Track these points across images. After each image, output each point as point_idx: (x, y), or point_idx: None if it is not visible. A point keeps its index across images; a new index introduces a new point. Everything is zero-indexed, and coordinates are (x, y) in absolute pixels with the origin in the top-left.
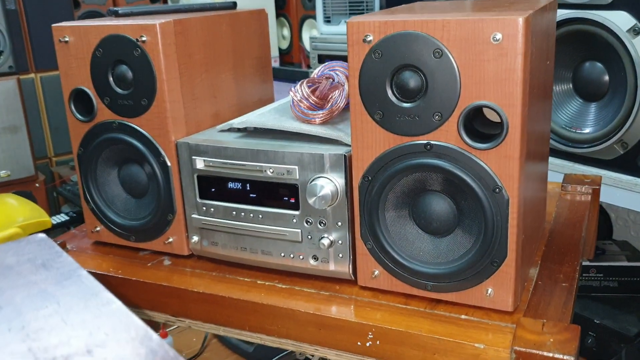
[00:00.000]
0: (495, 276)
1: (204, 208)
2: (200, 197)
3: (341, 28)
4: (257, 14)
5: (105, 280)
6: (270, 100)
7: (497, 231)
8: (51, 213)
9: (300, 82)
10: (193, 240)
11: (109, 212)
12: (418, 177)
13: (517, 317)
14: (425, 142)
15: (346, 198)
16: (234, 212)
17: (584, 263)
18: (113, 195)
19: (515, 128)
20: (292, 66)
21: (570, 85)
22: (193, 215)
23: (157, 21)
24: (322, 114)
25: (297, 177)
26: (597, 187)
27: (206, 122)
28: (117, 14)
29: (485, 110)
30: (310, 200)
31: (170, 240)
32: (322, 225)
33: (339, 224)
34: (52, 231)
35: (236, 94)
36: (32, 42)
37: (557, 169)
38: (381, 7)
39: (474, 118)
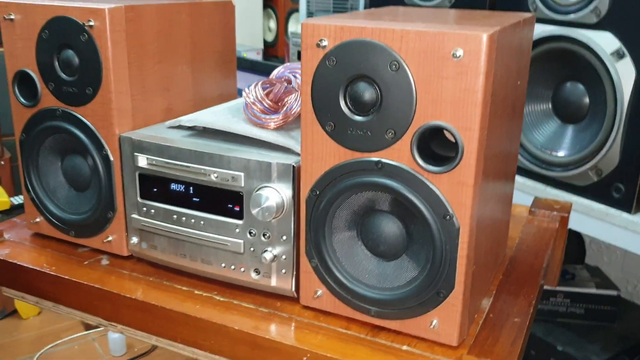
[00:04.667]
0: (441, 307)
1: (145, 209)
2: (141, 197)
3: None
4: (222, 5)
5: (38, 276)
6: (233, 96)
7: (446, 260)
8: (16, 192)
9: (255, 83)
10: (132, 242)
11: (49, 203)
12: (368, 195)
13: (460, 352)
14: (376, 159)
15: (292, 211)
16: (175, 216)
17: (550, 288)
18: (55, 186)
19: (471, 153)
20: (275, 60)
21: (550, 105)
22: (133, 215)
23: (106, 5)
24: (276, 118)
25: (242, 185)
26: (566, 215)
27: (157, 117)
28: None
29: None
30: (254, 211)
31: (110, 239)
32: (265, 237)
33: (284, 237)
34: (12, 212)
35: (193, 88)
36: None
37: (529, 191)
38: (365, 7)
39: (432, 137)
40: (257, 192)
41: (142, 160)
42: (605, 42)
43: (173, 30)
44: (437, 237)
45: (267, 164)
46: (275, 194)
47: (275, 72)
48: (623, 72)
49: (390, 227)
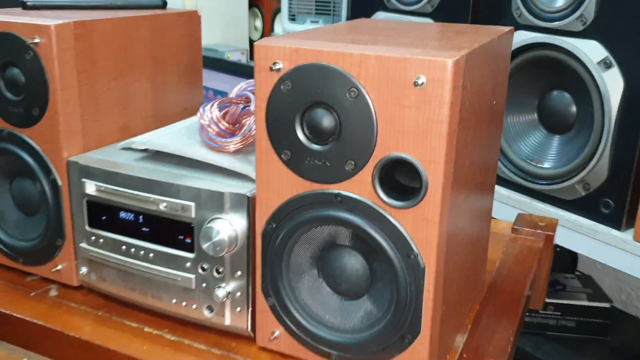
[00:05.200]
0: (406, 353)
1: (93, 238)
2: (90, 225)
3: (306, 27)
4: (187, 16)
5: None
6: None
7: (411, 302)
8: None
9: (211, 103)
10: (81, 272)
11: None
12: (329, 229)
13: None
14: (336, 192)
15: (247, 245)
16: (124, 247)
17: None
18: (3, 209)
19: (436, 188)
20: None
21: (535, 115)
22: (81, 245)
23: (53, 22)
24: (233, 142)
25: (193, 216)
26: (551, 234)
27: (112, 136)
28: (25, 6)
29: None
30: (204, 245)
31: (59, 267)
32: (218, 273)
33: (238, 273)
34: None
35: (153, 104)
36: None
37: (514, 204)
38: (348, 8)
39: (397, 167)
40: (208, 225)
41: (90, 187)
42: (591, 51)
43: (131, 45)
44: (402, 277)
45: (219, 194)
46: (227, 227)
47: (236, 90)
48: (610, 82)
49: (352, 263)
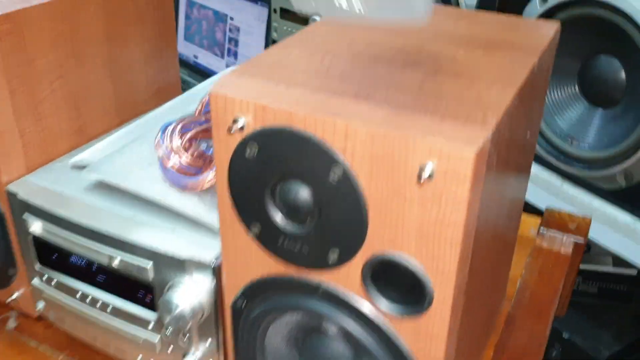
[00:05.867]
0: None
1: (46, 276)
2: (40, 263)
3: None
4: None
5: None
6: (174, 88)
7: None
8: None
9: (171, 126)
10: (38, 307)
11: None
12: (310, 316)
13: None
14: (316, 282)
15: (215, 316)
16: (80, 293)
17: None
18: None
19: (444, 301)
20: None
21: (576, 83)
22: (34, 282)
23: None
24: (199, 182)
25: (151, 277)
26: (582, 242)
27: (64, 143)
28: None
29: None
30: (165, 320)
31: (15, 296)
32: (185, 338)
33: (209, 341)
34: None
35: (115, 95)
36: None
37: (542, 184)
38: None
39: (394, 267)
40: (167, 294)
41: (35, 225)
42: None
43: (77, 31)
44: None
45: (178, 261)
46: (190, 296)
47: (201, 103)
48: None
49: (338, 352)
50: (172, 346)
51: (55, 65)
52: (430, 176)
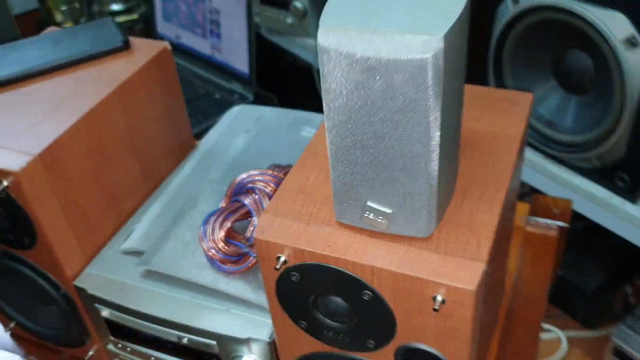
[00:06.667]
0: None
1: (120, 345)
2: (113, 335)
3: None
4: (156, 61)
5: None
6: (189, 141)
7: None
8: None
9: (211, 222)
10: None
11: (20, 317)
12: None
13: None
14: (358, 357)
15: None
16: (153, 358)
17: None
18: (21, 303)
19: None
20: None
21: (551, 75)
22: (109, 347)
23: (17, 164)
24: (239, 270)
25: (217, 352)
26: (566, 226)
27: (108, 226)
28: None
29: None
30: None
31: (92, 353)
32: None
33: None
34: None
35: (140, 169)
36: None
37: (528, 164)
38: None
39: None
40: None
41: (105, 312)
42: (615, 26)
43: (104, 137)
44: None
45: (240, 340)
46: None
47: (228, 191)
48: (635, 63)
49: None
50: None
51: (89, 172)
52: (443, 301)
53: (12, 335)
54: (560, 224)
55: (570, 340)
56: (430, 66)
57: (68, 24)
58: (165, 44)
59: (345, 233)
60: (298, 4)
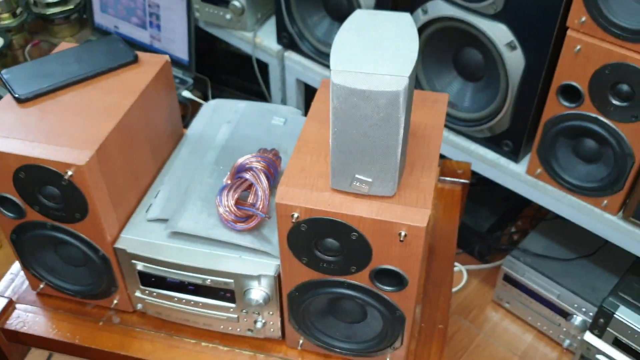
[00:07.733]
0: (391, 356)
1: (147, 291)
2: (142, 284)
3: None
4: (162, 74)
5: (64, 345)
6: (179, 128)
7: (393, 335)
8: None
9: (225, 191)
10: (138, 307)
11: (51, 277)
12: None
13: None
14: (342, 279)
15: (278, 300)
16: (175, 299)
17: None
18: (53, 264)
19: (412, 285)
20: None
21: (452, 67)
22: (136, 294)
23: (81, 157)
24: (247, 227)
25: (233, 287)
26: (467, 183)
27: (132, 199)
28: (20, 101)
29: None
30: (246, 309)
31: (116, 302)
32: (256, 314)
33: (271, 313)
34: None
35: (152, 153)
36: None
37: None
38: None
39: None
40: (248, 297)
41: (140, 266)
42: (500, 34)
43: (132, 135)
44: (389, 323)
45: (253, 277)
46: (262, 293)
47: (231, 171)
48: (514, 61)
49: (354, 308)
50: (246, 319)
51: (124, 158)
52: (405, 235)
53: (40, 295)
54: (463, 181)
55: (469, 272)
56: (401, 94)
57: (4, 16)
58: (166, 58)
59: (339, 196)
60: (237, 3)
